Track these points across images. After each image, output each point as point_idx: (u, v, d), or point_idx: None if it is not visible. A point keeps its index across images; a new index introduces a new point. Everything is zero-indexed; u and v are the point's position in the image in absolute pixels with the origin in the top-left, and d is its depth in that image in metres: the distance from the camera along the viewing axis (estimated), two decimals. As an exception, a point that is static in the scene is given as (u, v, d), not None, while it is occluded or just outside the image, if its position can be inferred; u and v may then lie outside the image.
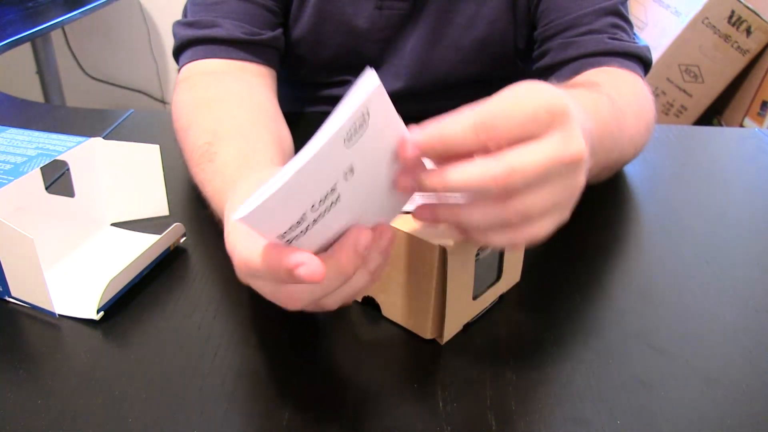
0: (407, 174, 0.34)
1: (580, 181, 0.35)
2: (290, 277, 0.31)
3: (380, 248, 0.35)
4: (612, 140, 0.52)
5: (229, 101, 0.59)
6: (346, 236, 0.33)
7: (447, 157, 0.34)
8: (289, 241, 0.32)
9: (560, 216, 0.36)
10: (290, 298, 0.34)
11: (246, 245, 0.34)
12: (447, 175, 0.33)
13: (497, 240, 0.36)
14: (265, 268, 0.32)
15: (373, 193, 0.34)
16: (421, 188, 0.34)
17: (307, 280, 0.31)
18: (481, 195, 0.34)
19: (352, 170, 0.32)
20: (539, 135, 0.33)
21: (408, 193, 0.36)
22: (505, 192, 0.33)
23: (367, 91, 0.30)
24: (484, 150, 0.33)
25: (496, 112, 0.33)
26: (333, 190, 0.31)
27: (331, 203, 0.32)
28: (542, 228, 0.35)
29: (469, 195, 0.35)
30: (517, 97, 0.34)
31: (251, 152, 0.51)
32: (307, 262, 0.31)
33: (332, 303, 0.36)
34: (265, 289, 0.35)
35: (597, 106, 0.50)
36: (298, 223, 0.31)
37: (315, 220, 0.31)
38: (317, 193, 0.31)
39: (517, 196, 0.33)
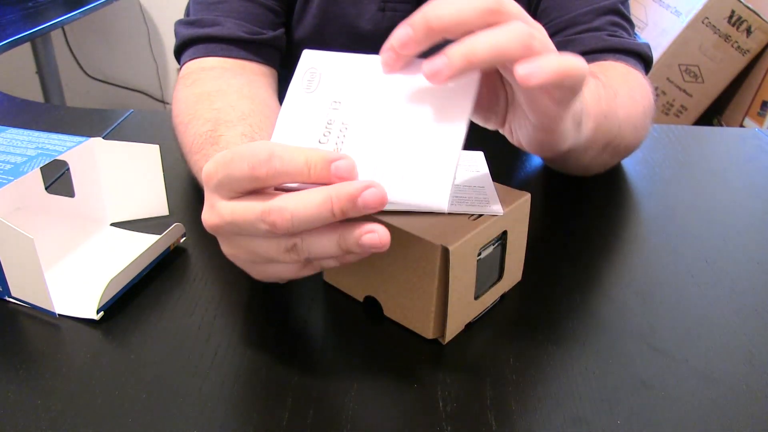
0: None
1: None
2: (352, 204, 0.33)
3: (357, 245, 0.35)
4: (605, 117, 0.52)
5: (230, 94, 0.59)
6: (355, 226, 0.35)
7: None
8: None
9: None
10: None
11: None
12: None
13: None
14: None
15: (386, 115, 0.37)
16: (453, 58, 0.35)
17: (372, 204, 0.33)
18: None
19: (337, 102, 0.38)
20: None
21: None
22: None
23: (305, 56, 0.40)
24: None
25: None
26: (330, 122, 0.38)
27: (340, 130, 0.38)
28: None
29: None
30: None
31: (256, 134, 0.51)
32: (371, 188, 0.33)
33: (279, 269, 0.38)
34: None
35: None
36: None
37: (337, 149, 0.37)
38: (313, 130, 0.38)
39: None
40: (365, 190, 0.33)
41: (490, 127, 0.44)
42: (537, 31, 0.35)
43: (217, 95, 0.59)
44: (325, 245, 0.35)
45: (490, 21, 0.35)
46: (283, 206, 0.34)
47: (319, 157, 0.34)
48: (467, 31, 0.35)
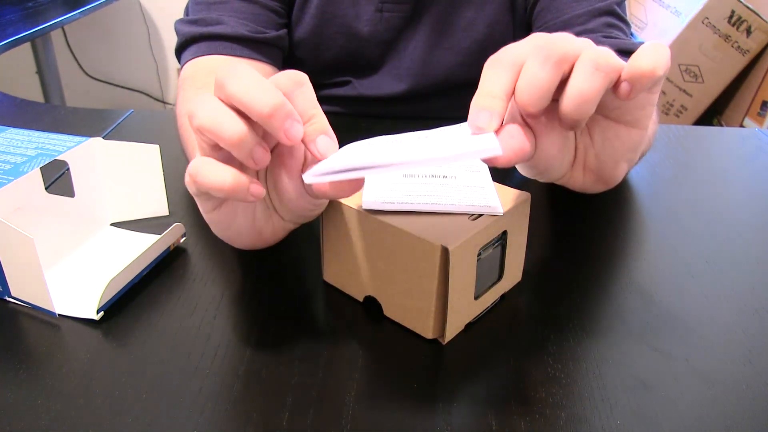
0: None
1: None
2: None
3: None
4: None
5: None
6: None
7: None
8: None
9: None
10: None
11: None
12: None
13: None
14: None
15: (437, 142, 0.37)
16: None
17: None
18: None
19: (426, 136, 0.38)
20: None
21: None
22: None
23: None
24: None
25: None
26: (402, 140, 0.38)
27: (393, 140, 0.38)
28: None
29: None
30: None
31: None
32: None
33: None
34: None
35: None
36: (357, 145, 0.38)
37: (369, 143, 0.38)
38: (388, 138, 0.38)
39: None
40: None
41: (552, 178, 0.44)
42: (596, 48, 0.36)
43: None
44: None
45: (564, 70, 0.35)
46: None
47: (289, 108, 0.36)
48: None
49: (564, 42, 0.35)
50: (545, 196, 0.61)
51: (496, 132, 0.36)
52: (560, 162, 0.41)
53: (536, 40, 0.37)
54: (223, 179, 0.36)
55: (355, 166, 0.35)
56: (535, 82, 0.35)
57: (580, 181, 0.45)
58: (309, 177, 0.36)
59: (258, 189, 0.37)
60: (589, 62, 0.35)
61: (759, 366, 0.41)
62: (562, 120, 0.37)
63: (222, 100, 0.36)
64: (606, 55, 0.35)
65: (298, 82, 0.37)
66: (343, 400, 0.38)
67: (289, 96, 0.37)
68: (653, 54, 0.35)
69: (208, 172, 0.36)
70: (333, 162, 0.36)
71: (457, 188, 0.43)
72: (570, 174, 0.44)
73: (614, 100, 0.38)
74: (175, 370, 0.40)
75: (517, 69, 0.36)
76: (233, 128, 0.35)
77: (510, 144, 0.35)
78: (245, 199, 0.37)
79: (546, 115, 0.38)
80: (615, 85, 0.36)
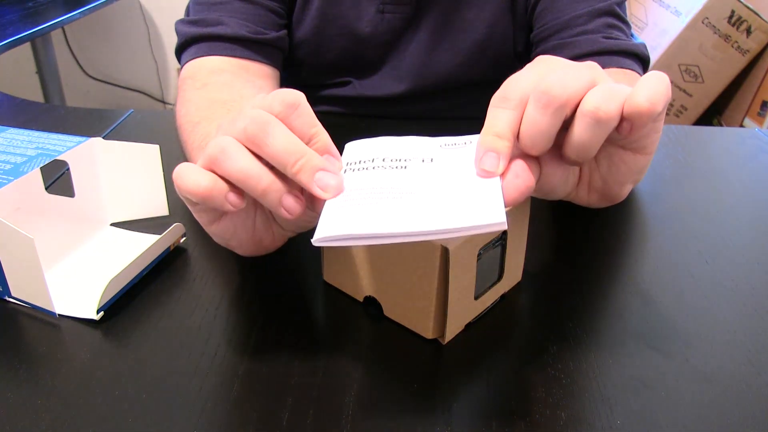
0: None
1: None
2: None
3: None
4: None
5: (243, 106, 0.59)
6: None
7: None
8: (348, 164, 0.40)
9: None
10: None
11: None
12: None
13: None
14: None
15: (442, 189, 0.37)
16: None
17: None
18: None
19: (431, 159, 0.40)
20: None
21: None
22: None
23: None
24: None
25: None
26: (406, 159, 0.40)
27: (397, 166, 0.39)
28: None
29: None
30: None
31: None
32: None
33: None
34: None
35: None
36: (361, 161, 0.40)
37: (374, 167, 0.39)
38: (393, 153, 0.40)
39: None
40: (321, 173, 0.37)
41: (556, 198, 0.44)
42: (598, 79, 0.36)
43: (233, 105, 0.59)
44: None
45: (566, 114, 0.36)
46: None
47: (317, 160, 0.36)
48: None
49: (565, 84, 0.35)
50: (545, 196, 0.61)
51: (502, 174, 0.37)
52: (564, 185, 0.42)
53: (541, 75, 0.37)
54: (198, 183, 0.36)
55: (359, 234, 0.35)
56: (537, 128, 0.35)
57: (585, 199, 0.45)
58: (318, 240, 0.35)
59: (235, 198, 0.36)
60: (589, 115, 0.35)
61: (759, 366, 0.41)
62: (565, 160, 0.38)
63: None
64: (606, 102, 0.35)
65: (292, 104, 0.37)
66: (343, 400, 0.38)
67: (286, 121, 0.37)
68: (650, 90, 0.35)
69: (186, 176, 0.36)
70: (337, 222, 0.35)
71: None
72: (575, 193, 0.45)
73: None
74: (175, 370, 0.40)
75: (523, 106, 0.36)
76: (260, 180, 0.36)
77: (515, 184, 0.36)
78: (222, 206, 0.36)
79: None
80: (617, 125, 0.36)
